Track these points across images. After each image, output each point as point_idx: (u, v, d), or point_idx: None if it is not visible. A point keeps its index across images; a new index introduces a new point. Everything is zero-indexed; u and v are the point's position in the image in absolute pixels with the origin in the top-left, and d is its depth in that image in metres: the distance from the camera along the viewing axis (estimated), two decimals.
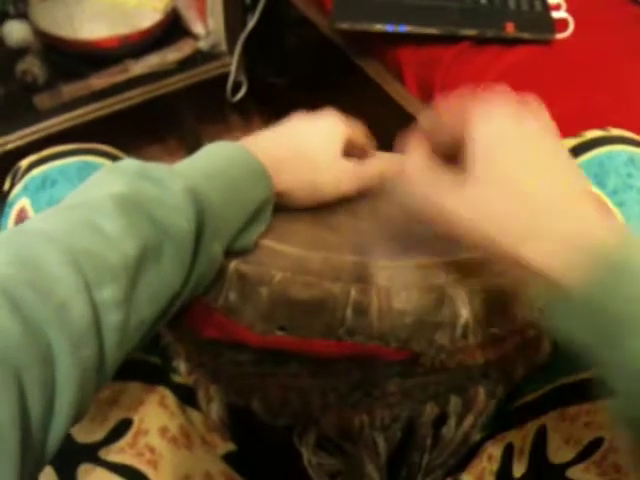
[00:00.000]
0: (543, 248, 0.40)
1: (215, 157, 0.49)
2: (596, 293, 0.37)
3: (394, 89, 1.13)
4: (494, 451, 0.56)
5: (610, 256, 0.38)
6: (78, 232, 0.38)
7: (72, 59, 1.29)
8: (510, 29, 1.06)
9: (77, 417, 0.37)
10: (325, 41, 1.24)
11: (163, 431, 0.54)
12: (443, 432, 0.55)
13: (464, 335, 0.48)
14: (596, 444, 0.52)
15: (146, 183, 0.43)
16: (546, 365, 0.56)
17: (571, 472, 0.52)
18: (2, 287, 0.34)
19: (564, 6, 1.10)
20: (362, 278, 0.48)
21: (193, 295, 0.47)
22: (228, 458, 0.57)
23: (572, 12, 1.09)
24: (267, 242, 0.50)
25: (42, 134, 1.22)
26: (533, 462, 0.54)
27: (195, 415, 0.57)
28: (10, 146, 1.20)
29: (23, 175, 0.62)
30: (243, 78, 1.44)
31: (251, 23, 1.35)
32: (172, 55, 1.34)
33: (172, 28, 1.37)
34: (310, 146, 0.53)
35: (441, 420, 0.55)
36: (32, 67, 1.24)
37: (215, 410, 0.57)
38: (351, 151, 0.57)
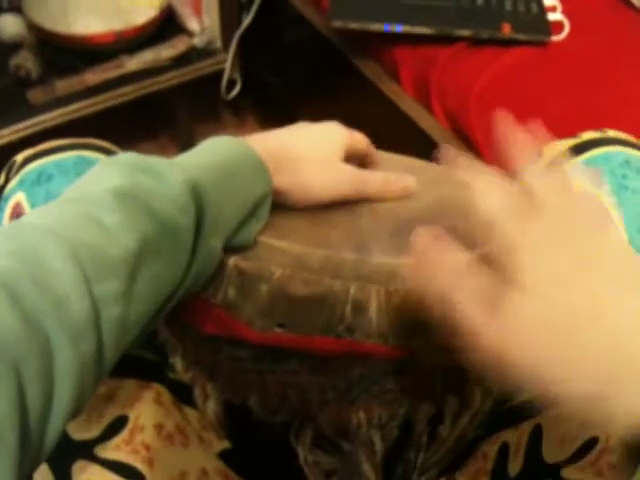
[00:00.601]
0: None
1: (214, 151, 0.49)
2: None
3: (390, 88, 1.13)
4: (489, 450, 0.57)
5: None
6: (77, 226, 0.38)
7: (66, 54, 1.28)
8: (506, 30, 1.06)
9: (75, 411, 0.36)
10: (321, 40, 1.24)
11: (159, 428, 0.54)
12: (439, 431, 0.55)
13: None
14: (591, 444, 0.52)
15: (145, 176, 0.42)
16: None
17: (566, 472, 0.52)
18: (1, 280, 0.33)
19: (560, 8, 1.11)
20: (362, 276, 0.48)
21: (192, 290, 0.46)
22: (224, 456, 0.57)
23: (568, 14, 1.09)
24: (267, 239, 0.50)
25: (35, 129, 1.22)
26: (528, 461, 0.54)
27: (191, 412, 0.57)
28: (3, 141, 1.19)
29: (18, 170, 0.62)
30: (238, 76, 1.43)
31: (246, 21, 1.35)
32: (167, 51, 1.34)
33: (167, 24, 1.36)
34: (310, 149, 0.53)
35: (437, 419, 0.55)
36: (26, 62, 1.23)
37: (211, 407, 0.57)
38: (353, 158, 0.57)
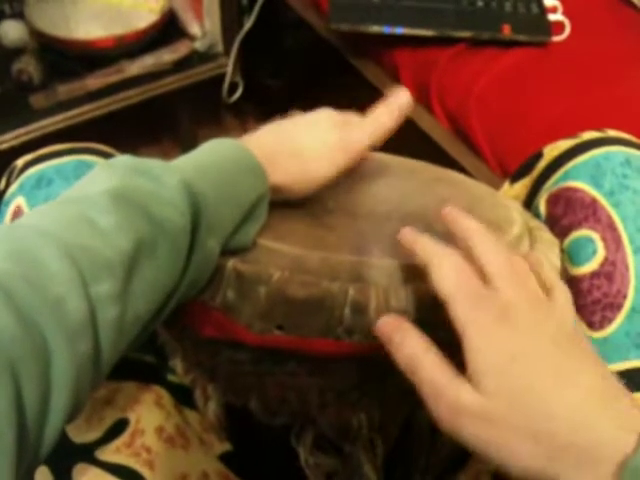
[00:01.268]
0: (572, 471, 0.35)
1: (210, 153, 0.49)
2: None
3: (390, 90, 1.13)
4: None
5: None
6: (73, 227, 0.38)
7: (68, 59, 1.29)
8: (506, 31, 1.06)
9: (73, 413, 0.36)
10: (321, 43, 1.24)
11: (159, 431, 0.54)
12: (440, 432, 0.55)
13: None
14: None
15: (141, 178, 0.43)
16: None
17: None
18: None
19: (560, 9, 1.11)
20: (360, 277, 0.48)
21: (190, 293, 0.46)
22: (225, 458, 0.57)
23: (568, 15, 1.09)
24: (265, 241, 0.50)
25: (37, 134, 1.22)
26: None
27: (191, 415, 0.57)
28: (5, 146, 1.20)
29: (19, 174, 0.62)
30: (239, 79, 1.44)
31: (247, 24, 1.35)
32: (168, 56, 1.34)
33: (168, 29, 1.37)
34: (303, 136, 0.53)
35: None
36: (28, 67, 1.24)
37: (212, 409, 0.57)
38: None
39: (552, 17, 1.09)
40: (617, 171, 0.61)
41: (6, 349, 0.32)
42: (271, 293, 0.47)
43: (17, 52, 1.26)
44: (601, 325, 0.56)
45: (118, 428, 0.53)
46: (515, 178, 0.71)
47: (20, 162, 0.63)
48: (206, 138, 0.51)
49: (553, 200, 0.63)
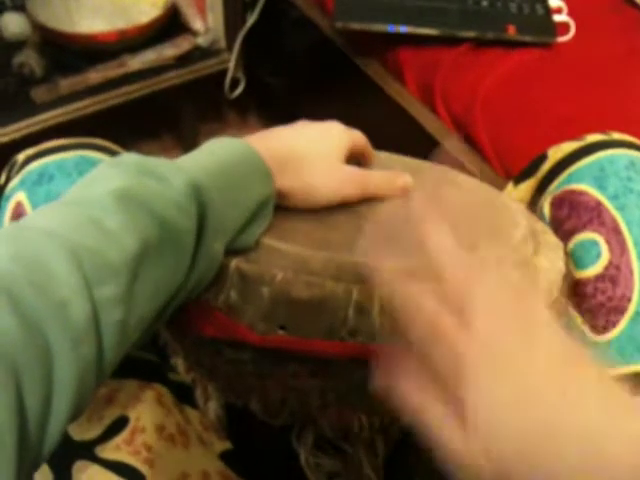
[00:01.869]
0: None
1: (217, 153, 0.49)
2: None
3: (394, 89, 1.13)
4: None
5: None
6: (78, 228, 0.38)
7: (70, 53, 1.28)
8: (511, 31, 1.06)
9: (75, 414, 0.36)
10: (325, 41, 1.23)
11: (160, 429, 0.54)
12: None
13: None
14: None
15: (147, 178, 0.42)
16: None
17: None
18: (2, 283, 0.33)
19: (565, 9, 1.11)
20: (364, 278, 0.48)
21: (194, 293, 0.46)
22: (225, 457, 0.57)
23: (573, 15, 1.09)
24: (269, 241, 0.50)
25: (38, 127, 1.21)
26: None
27: (192, 413, 0.57)
28: (6, 139, 1.19)
29: (20, 169, 0.62)
30: (241, 75, 1.43)
31: (250, 20, 1.34)
32: (170, 51, 1.34)
33: (171, 24, 1.36)
34: (312, 150, 0.53)
35: None
36: (29, 60, 1.23)
37: (213, 409, 0.57)
38: (353, 159, 0.57)
39: (557, 18, 1.09)
40: (621, 174, 0.61)
41: (9, 352, 0.31)
42: (274, 293, 0.47)
43: (19, 45, 1.26)
44: (605, 329, 0.56)
45: (118, 426, 0.53)
46: (519, 180, 0.70)
47: (21, 156, 0.63)
48: (207, 134, 0.50)
49: (557, 203, 0.63)
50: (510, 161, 0.95)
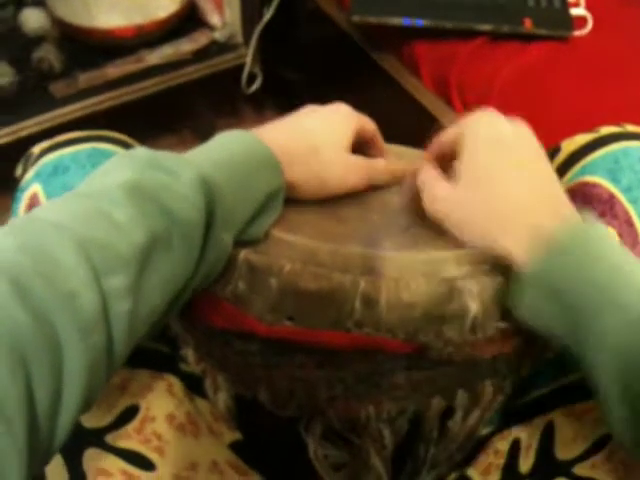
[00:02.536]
0: (513, 240, 0.47)
1: (226, 146, 0.49)
2: (543, 271, 0.45)
3: (410, 84, 1.13)
4: (501, 446, 0.56)
5: (557, 241, 0.45)
6: (88, 220, 0.39)
7: (88, 48, 1.29)
8: (528, 25, 1.05)
9: (86, 405, 0.37)
10: (341, 35, 1.23)
11: (170, 418, 0.54)
12: (449, 426, 0.55)
13: (473, 329, 0.48)
14: (604, 441, 0.52)
15: (156, 172, 0.43)
16: (554, 361, 0.56)
17: (578, 469, 0.52)
18: (11, 274, 0.34)
19: (583, 3, 1.10)
20: (371, 270, 0.48)
21: (203, 285, 0.47)
22: (234, 447, 0.57)
23: (591, 9, 1.08)
24: (277, 233, 0.50)
25: (57, 122, 1.22)
26: (540, 458, 0.54)
27: (202, 403, 0.57)
28: (26, 132, 1.21)
29: (35, 161, 0.62)
30: (258, 70, 1.43)
31: (267, 15, 1.34)
32: (187, 46, 1.34)
33: (188, 19, 1.37)
34: (320, 139, 0.53)
35: (448, 414, 0.55)
36: (48, 55, 1.24)
37: (222, 399, 0.57)
38: (360, 144, 0.57)
39: (574, 11, 1.08)
40: (635, 167, 0.60)
41: (18, 343, 0.32)
42: (282, 285, 0.47)
43: (38, 40, 1.27)
44: None
45: (129, 414, 0.53)
46: None
47: (36, 149, 0.63)
48: (224, 128, 0.51)
49: (570, 195, 0.62)
50: None
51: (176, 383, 0.57)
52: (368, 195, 0.56)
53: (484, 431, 0.58)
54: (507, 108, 0.99)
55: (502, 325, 0.48)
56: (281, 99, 1.52)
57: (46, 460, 0.36)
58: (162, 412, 0.54)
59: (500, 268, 0.48)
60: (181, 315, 0.53)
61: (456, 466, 0.58)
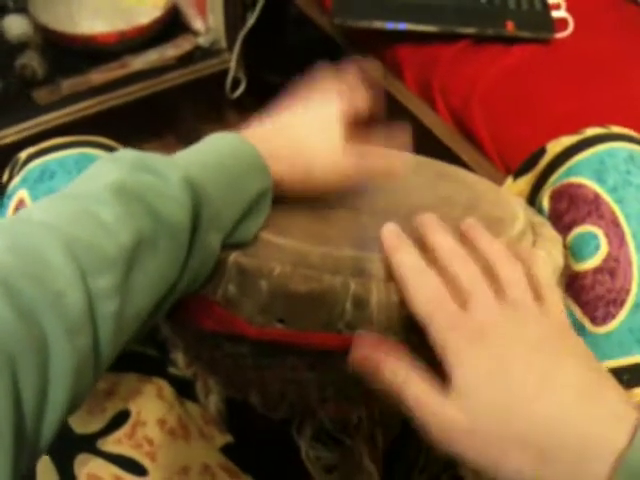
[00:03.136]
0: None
1: (212, 147, 0.49)
2: None
3: (394, 87, 1.13)
4: None
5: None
6: (74, 220, 0.38)
7: (71, 54, 1.29)
8: (510, 28, 1.06)
9: (73, 407, 0.36)
10: (325, 39, 1.24)
11: (161, 423, 0.54)
12: None
13: None
14: None
15: (143, 173, 0.43)
16: None
17: None
18: None
19: (564, 5, 1.11)
20: (362, 272, 0.48)
21: (191, 287, 0.46)
22: (226, 450, 0.57)
23: (572, 11, 1.09)
24: (267, 235, 0.50)
25: (40, 128, 1.22)
26: None
27: (193, 407, 0.57)
28: (8, 140, 1.20)
29: (22, 167, 0.62)
30: (242, 75, 1.43)
31: (251, 20, 1.35)
32: (171, 51, 1.34)
33: (172, 24, 1.37)
34: (307, 135, 0.53)
35: None
36: (31, 61, 1.24)
37: (213, 402, 0.57)
38: (355, 126, 0.56)
39: (555, 14, 1.09)
40: (621, 167, 0.61)
41: (5, 343, 0.32)
42: (272, 287, 0.47)
43: (20, 47, 1.26)
44: (604, 321, 0.56)
45: (120, 419, 0.53)
46: (518, 174, 0.70)
47: (23, 155, 0.63)
48: (208, 133, 0.51)
49: (556, 196, 0.63)
50: (509, 156, 0.96)
51: (166, 387, 0.56)
52: (357, 197, 0.56)
53: None
54: (490, 111, 1.00)
55: None
56: (265, 104, 1.52)
57: (32, 461, 0.35)
58: (153, 417, 0.54)
59: None
60: (171, 318, 0.53)
61: (449, 466, 0.58)
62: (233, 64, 1.39)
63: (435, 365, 0.41)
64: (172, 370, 0.57)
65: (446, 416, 0.38)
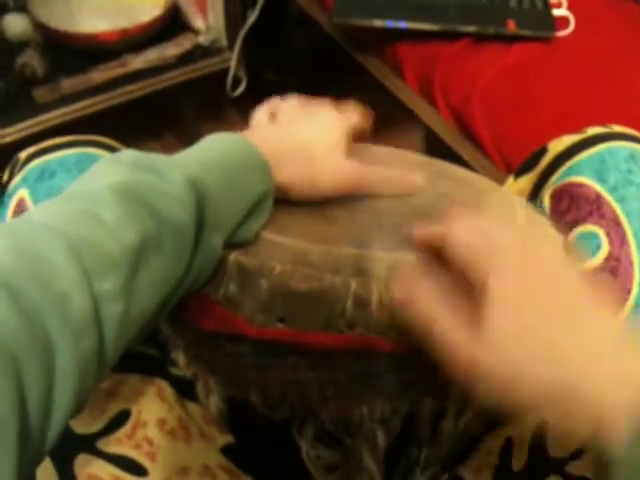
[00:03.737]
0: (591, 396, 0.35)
1: (215, 148, 0.49)
2: None
3: (394, 85, 1.13)
4: (493, 445, 0.56)
5: None
6: (78, 222, 0.38)
7: (72, 53, 1.29)
8: (511, 26, 1.06)
9: (77, 408, 0.36)
10: (325, 38, 1.24)
11: (161, 423, 0.54)
12: (442, 426, 0.55)
13: None
14: None
15: (145, 173, 0.42)
16: None
17: (571, 467, 0.52)
18: (2, 277, 0.33)
19: (565, 4, 1.11)
20: (362, 271, 0.48)
21: (193, 287, 0.46)
22: (226, 450, 0.57)
23: (573, 10, 1.09)
24: (267, 234, 0.50)
25: (41, 127, 1.22)
26: (532, 457, 0.54)
27: (193, 408, 0.57)
28: (9, 139, 1.20)
29: (22, 166, 0.62)
30: (242, 74, 1.43)
31: (251, 19, 1.35)
32: (172, 50, 1.34)
33: (172, 23, 1.37)
34: (311, 141, 0.53)
35: (440, 414, 0.55)
36: (31, 60, 1.23)
37: (214, 402, 0.57)
38: (356, 139, 0.57)
39: (556, 12, 1.09)
40: (622, 166, 0.61)
41: (10, 346, 0.32)
42: (273, 286, 0.47)
43: (21, 46, 1.26)
44: None
45: (120, 420, 0.53)
46: (519, 173, 0.70)
47: (23, 154, 0.63)
48: (209, 133, 0.51)
49: (557, 195, 0.63)
50: (509, 154, 0.95)
51: (166, 387, 0.56)
52: (357, 196, 0.56)
53: (476, 430, 0.58)
54: (491, 109, 1.00)
55: None
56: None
57: (37, 463, 0.35)
58: (153, 417, 0.54)
59: None
60: (171, 318, 0.53)
61: (449, 466, 0.58)
62: (233, 63, 1.39)
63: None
64: (173, 370, 0.57)
65: (475, 351, 0.38)
